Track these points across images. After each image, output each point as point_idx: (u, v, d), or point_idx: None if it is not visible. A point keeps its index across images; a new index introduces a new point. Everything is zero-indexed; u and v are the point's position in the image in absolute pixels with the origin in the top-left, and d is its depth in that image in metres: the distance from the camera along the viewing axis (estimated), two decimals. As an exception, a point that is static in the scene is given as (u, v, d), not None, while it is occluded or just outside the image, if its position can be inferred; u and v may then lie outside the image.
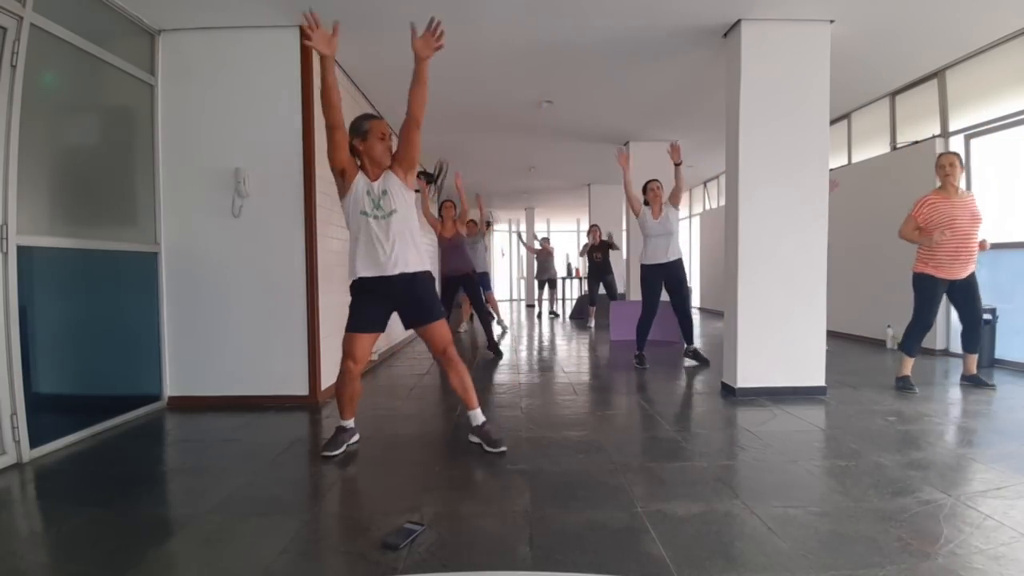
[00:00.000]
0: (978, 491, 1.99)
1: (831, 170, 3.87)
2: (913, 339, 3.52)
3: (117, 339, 3.06)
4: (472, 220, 5.83)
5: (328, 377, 3.60)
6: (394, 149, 2.44)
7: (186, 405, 3.37)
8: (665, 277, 4.52)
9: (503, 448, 2.43)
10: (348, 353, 2.45)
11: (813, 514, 1.81)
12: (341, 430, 2.54)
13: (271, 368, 3.42)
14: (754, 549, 1.59)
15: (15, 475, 2.28)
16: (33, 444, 2.44)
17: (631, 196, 4.55)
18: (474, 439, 2.53)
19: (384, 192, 2.39)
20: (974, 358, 3.61)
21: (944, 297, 3.56)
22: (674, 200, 4.48)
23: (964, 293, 3.47)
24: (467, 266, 5.24)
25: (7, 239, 2.33)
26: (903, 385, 3.49)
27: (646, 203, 4.57)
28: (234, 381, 3.41)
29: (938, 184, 3.49)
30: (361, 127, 2.39)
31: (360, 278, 2.43)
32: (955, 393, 3.51)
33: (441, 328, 2.50)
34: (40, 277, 2.50)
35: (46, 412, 2.53)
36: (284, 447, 2.62)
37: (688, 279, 4.63)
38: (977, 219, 3.39)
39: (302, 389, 3.43)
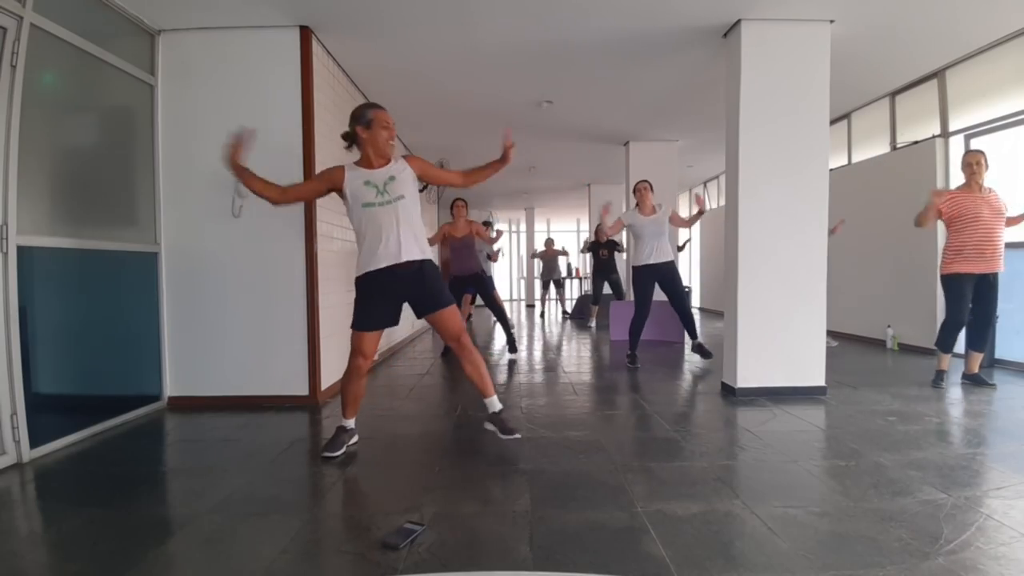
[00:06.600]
0: (978, 491, 1.99)
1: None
2: (947, 337, 3.64)
3: (117, 339, 3.06)
4: (487, 222, 5.77)
5: (328, 377, 3.60)
6: (393, 141, 2.44)
7: (186, 405, 3.37)
8: (659, 279, 4.51)
9: (517, 435, 2.48)
10: (357, 350, 2.43)
11: (813, 514, 1.81)
12: (342, 430, 2.52)
13: (271, 368, 3.42)
14: (754, 549, 1.59)
15: (15, 475, 2.28)
16: (33, 444, 2.44)
17: (612, 228, 4.57)
18: (489, 426, 2.56)
19: (392, 178, 2.36)
20: (978, 357, 3.63)
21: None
22: (675, 222, 4.56)
23: (985, 289, 3.53)
24: (477, 265, 5.19)
25: (7, 239, 2.33)
26: (937, 380, 3.63)
27: (636, 206, 4.59)
28: (234, 381, 3.41)
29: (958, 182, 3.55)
30: (364, 116, 2.37)
31: (366, 274, 2.37)
32: (955, 393, 3.51)
33: (453, 315, 2.47)
34: (40, 277, 2.50)
35: (46, 412, 2.53)
36: (284, 447, 2.62)
37: (682, 279, 4.64)
38: (999, 214, 3.46)
39: (302, 389, 3.43)
